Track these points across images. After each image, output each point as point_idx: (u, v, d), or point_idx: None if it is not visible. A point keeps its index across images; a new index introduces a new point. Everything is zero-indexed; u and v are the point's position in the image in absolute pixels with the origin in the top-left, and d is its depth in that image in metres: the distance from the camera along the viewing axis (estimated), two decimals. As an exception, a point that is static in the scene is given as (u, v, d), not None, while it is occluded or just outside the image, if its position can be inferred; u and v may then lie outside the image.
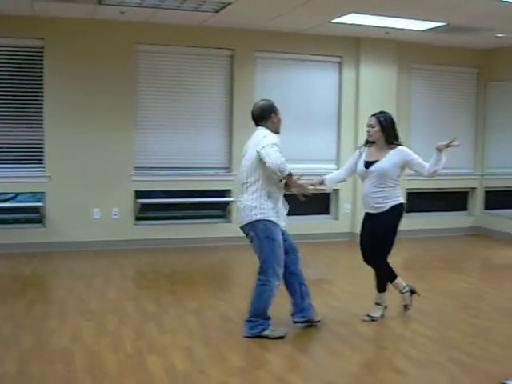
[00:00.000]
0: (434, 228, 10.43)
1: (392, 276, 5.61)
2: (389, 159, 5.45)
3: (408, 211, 10.23)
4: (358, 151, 5.79)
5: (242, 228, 5.18)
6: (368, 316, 5.58)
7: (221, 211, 9.57)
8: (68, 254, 8.33)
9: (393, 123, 5.58)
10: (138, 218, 9.03)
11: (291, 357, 4.71)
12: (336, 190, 9.92)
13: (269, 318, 5.07)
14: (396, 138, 5.56)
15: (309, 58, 9.65)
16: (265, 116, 5.40)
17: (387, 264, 5.57)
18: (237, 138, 9.18)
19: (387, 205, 5.44)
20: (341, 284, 7.31)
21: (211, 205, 9.58)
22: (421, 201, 10.59)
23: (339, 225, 10.00)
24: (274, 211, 5.07)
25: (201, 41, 9.03)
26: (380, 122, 5.53)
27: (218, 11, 7.98)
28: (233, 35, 9.12)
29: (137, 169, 8.93)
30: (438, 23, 8.42)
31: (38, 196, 8.75)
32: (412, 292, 5.70)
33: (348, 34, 9.48)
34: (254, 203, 5.03)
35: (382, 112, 5.64)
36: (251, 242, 5.16)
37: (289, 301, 5.32)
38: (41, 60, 8.47)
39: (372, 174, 5.46)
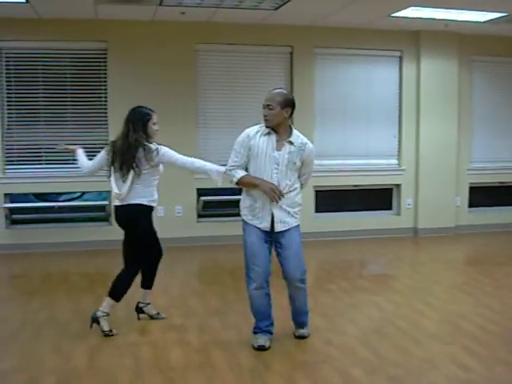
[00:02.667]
0: (496, 223, 10.25)
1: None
2: None
3: (471, 206, 10.20)
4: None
5: None
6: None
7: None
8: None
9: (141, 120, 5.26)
10: (200, 216, 9.16)
11: (354, 352, 4.72)
12: (398, 185, 9.86)
13: (258, 321, 4.87)
14: None
15: (369, 53, 9.58)
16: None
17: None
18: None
19: None
20: (404, 279, 7.27)
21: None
22: (483, 195, 10.41)
23: (402, 220, 9.93)
24: (246, 208, 4.82)
25: (260, 39, 9.07)
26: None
27: (276, 9, 8.02)
28: (292, 32, 9.14)
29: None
30: (498, 14, 8.25)
31: (104, 195, 8.96)
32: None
33: (408, 28, 9.39)
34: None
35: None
36: None
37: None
38: (105, 62, 8.67)
39: None
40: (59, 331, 5.17)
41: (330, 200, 9.72)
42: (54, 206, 8.86)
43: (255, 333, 4.83)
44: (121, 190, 5.16)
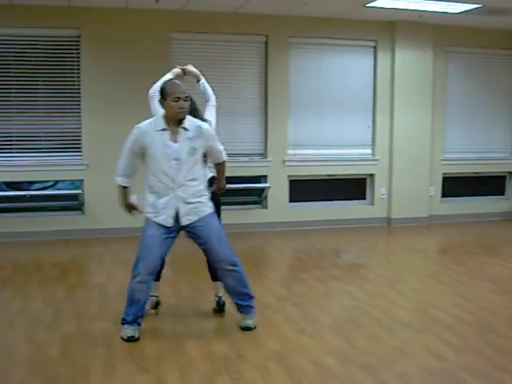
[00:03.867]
0: (470, 213, 10.35)
1: None
2: None
3: (445, 196, 10.29)
4: None
5: None
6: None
7: (256, 197, 9.61)
8: (106, 240, 8.47)
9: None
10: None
11: (327, 340, 4.74)
12: (372, 175, 9.91)
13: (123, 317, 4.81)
14: None
15: (343, 43, 9.59)
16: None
17: None
18: (272, 124, 9.25)
19: None
20: (377, 269, 7.31)
21: (247, 191, 9.61)
22: (457, 185, 10.50)
23: (375, 210, 9.98)
24: (152, 207, 4.76)
25: (235, 28, 9.04)
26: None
27: (252, -3, 8.00)
28: (267, 21, 9.11)
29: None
30: (473, 5, 8.28)
31: (76, 183, 8.89)
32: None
33: (382, 18, 9.41)
34: None
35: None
36: None
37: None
38: (77, 50, 8.58)
39: None
40: (32, 321, 5.13)
41: (303, 189, 9.74)
42: (26, 195, 8.77)
43: (123, 324, 4.77)
44: None
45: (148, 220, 4.76)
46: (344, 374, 4.10)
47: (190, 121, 4.74)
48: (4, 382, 3.95)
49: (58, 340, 4.68)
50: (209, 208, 4.84)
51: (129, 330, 4.71)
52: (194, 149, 4.68)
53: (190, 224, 4.75)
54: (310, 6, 8.44)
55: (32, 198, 8.87)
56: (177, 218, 4.71)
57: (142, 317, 4.84)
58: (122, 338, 4.70)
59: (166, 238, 4.74)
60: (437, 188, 10.22)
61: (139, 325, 4.81)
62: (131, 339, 4.68)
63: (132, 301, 4.76)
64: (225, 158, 5.07)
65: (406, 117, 9.73)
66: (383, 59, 9.72)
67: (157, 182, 4.71)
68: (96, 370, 4.12)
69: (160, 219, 4.70)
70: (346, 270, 7.19)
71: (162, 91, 4.66)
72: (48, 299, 5.78)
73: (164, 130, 4.67)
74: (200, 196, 4.77)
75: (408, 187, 9.85)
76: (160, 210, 4.70)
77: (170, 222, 4.70)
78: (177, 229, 4.78)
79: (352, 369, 4.17)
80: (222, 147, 5.02)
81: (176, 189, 4.67)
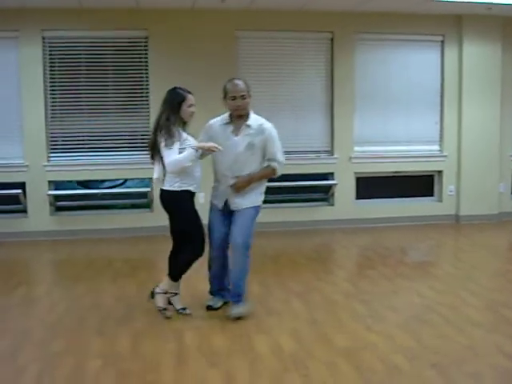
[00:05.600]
0: None
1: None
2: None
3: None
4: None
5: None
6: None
7: (323, 194, 9.61)
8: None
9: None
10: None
11: (395, 338, 4.71)
12: (440, 172, 9.77)
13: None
14: None
15: (410, 38, 9.49)
16: None
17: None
18: (338, 120, 9.23)
19: None
20: (446, 266, 7.22)
21: (314, 188, 9.63)
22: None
23: (443, 207, 9.84)
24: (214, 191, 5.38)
25: (300, 25, 9.05)
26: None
27: (317, -6, 7.99)
28: (332, 18, 9.09)
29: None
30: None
31: (146, 182, 9.06)
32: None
33: (450, 12, 9.26)
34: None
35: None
36: None
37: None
38: (146, 50, 8.75)
39: None
40: (104, 316, 5.27)
41: (370, 186, 9.68)
42: (97, 193, 8.99)
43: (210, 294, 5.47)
44: (155, 175, 5.18)
45: (210, 203, 5.37)
46: (413, 373, 4.07)
47: (255, 119, 5.16)
48: (79, 375, 4.07)
49: (130, 334, 4.79)
50: (248, 203, 5.19)
51: (209, 301, 5.40)
52: (252, 144, 5.11)
53: (234, 210, 5.22)
54: (375, 1, 8.38)
55: (103, 196, 9.09)
56: (226, 203, 5.24)
57: (223, 290, 5.45)
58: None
59: (223, 219, 5.25)
60: (507, 184, 10.00)
61: (222, 296, 5.44)
62: (209, 308, 5.34)
63: (212, 275, 5.42)
64: (277, 168, 5.19)
65: (475, 112, 9.55)
66: (451, 54, 9.57)
67: (218, 171, 5.25)
68: (167, 365, 4.21)
69: (216, 202, 5.29)
70: (413, 268, 7.13)
71: (224, 90, 5.13)
72: (119, 295, 5.92)
73: (227, 124, 5.17)
74: (250, 192, 5.19)
75: (477, 184, 9.68)
76: (217, 195, 5.28)
77: (221, 207, 5.26)
78: (229, 212, 5.24)
79: (421, 367, 4.14)
80: (282, 158, 5.21)
81: (230, 179, 5.14)
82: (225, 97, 5.11)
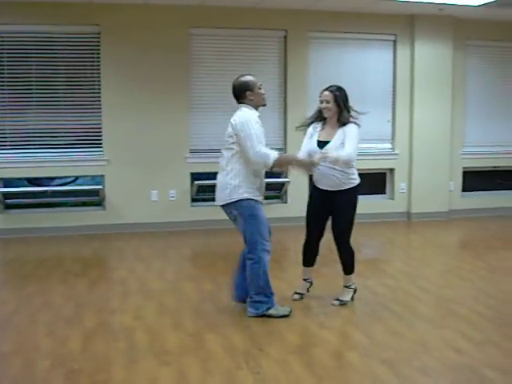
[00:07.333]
0: (491, 207, 10.28)
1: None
2: (337, 139, 5.25)
3: (465, 190, 10.24)
4: (310, 130, 5.46)
5: (223, 207, 5.13)
6: (337, 300, 5.46)
7: (277, 192, 9.62)
8: (126, 235, 8.52)
9: (347, 100, 5.35)
10: (194, 200, 9.17)
11: (347, 335, 4.74)
12: (392, 170, 9.88)
13: (272, 294, 5.08)
14: (348, 116, 5.32)
15: (363, 37, 9.57)
16: (240, 95, 5.15)
17: (350, 244, 5.49)
18: (291, 118, 9.23)
19: (344, 186, 5.34)
20: (397, 263, 7.30)
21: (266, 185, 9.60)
22: (478, 179, 10.44)
23: (395, 204, 9.95)
24: (257, 189, 5.09)
25: (254, 22, 9.04)
26: (335, 98, 5.26)
27: (270, -8, 7.99)
28: (286, 16, 9.10)
29: (192, 151, 9.05)
30: (492, -3, 8.23)
31: (97, 179, 8.94)
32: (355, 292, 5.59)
33: (402, 12, 9.37)
34: (238, 182, 5.00)
35: (336, 87, 5.39)
36: (234, 221, 5.14)
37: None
38: (98, 46, 8.63)
39: None
40: (54, 315, 5.19)
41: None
42: (47, 191, 8.83)
43: (274, 303, 5.13)
44: None
45: (255, 202, 5.07)
46: (365, 369, 4.10)
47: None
48: (28, 376, 3.99)
49: (80, 334, 4.72)
50: None
51: (282, 310, 5.13)
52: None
53: None
54: (328, 0, 8.41)
55: (53, 194, 8.94)
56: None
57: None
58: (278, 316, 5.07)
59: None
60: (457, 182, 10.16)
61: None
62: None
63: (268, 280, 5.08)
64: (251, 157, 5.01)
65: (426, 111, 9.68)
66: (403, 53, 9.68)
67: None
68: (117, 364, 4.15)
69: (262, 199, 5.19)
70: (366, 265, 7.15)
71: (249, 84, 5.10)
72: (70, 294, 5.83)
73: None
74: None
75: (428, 181, 9.81)
76: (261, 192, 5.22)
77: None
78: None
79: (372, 363, 4.17)
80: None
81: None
82: (252, 90, 5.10)
